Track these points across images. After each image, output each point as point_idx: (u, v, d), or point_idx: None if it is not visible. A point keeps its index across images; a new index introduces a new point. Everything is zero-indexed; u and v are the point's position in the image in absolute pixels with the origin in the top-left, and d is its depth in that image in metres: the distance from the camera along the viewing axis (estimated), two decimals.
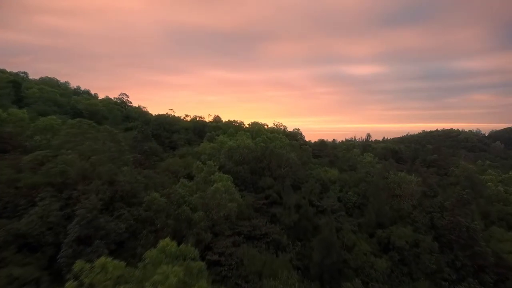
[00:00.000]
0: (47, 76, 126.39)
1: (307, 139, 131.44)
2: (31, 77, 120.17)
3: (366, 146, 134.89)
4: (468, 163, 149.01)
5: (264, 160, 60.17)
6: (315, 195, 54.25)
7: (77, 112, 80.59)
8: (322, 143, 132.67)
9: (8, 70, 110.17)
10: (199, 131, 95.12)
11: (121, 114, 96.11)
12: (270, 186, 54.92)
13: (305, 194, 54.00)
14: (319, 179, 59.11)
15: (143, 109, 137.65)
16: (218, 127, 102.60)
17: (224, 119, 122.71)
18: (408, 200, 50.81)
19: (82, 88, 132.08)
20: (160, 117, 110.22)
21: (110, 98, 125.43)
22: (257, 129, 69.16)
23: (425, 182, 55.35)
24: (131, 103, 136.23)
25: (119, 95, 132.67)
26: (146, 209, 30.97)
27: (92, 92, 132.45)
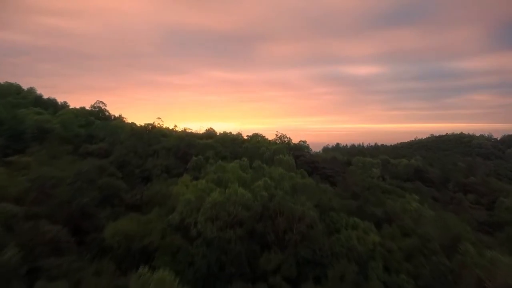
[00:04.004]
0: (7, 81, 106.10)
1: (308, 140, 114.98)
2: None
3: (385, 164, 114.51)
4: (488, 175, 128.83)
5: (268, 218, 39.90)
6: (349, 285, 33.84)
7: (16, 133, 60.23)
8: (334, 160, 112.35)
9: (9, 70, 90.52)
10: (183, 153, 74.64)
11: (84, 131, 75.44)
12: (277, 269, 34.68)
13: (333, 284, 33.64)
14: (351, 248, 38.69)
15: (123, 119, 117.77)
16: (208, 145, 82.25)
17: (223, 120, 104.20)
18: None
19: (75, 90, 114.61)
20: (138, 131, 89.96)
21: (83, 108, 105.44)
22: (257, 165, 48.88)
23: None
24: (109, 112, 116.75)
25: (95, 103, 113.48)
26: None
27: (89, 92, 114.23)
